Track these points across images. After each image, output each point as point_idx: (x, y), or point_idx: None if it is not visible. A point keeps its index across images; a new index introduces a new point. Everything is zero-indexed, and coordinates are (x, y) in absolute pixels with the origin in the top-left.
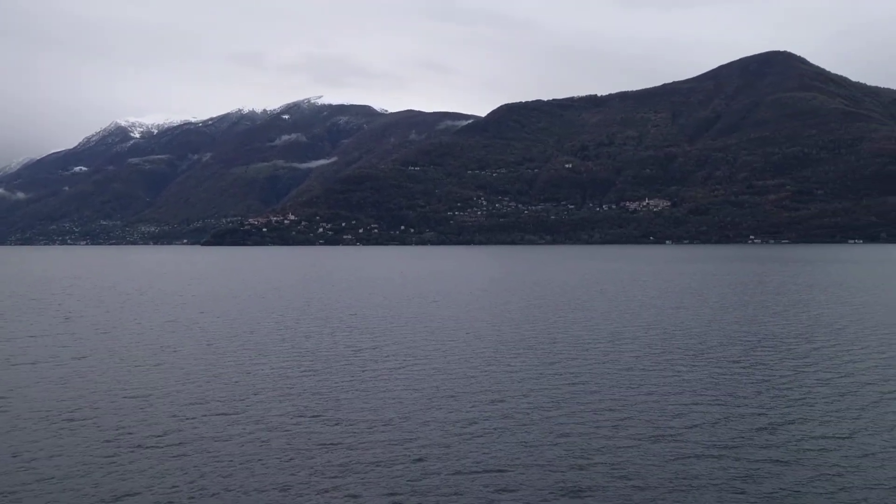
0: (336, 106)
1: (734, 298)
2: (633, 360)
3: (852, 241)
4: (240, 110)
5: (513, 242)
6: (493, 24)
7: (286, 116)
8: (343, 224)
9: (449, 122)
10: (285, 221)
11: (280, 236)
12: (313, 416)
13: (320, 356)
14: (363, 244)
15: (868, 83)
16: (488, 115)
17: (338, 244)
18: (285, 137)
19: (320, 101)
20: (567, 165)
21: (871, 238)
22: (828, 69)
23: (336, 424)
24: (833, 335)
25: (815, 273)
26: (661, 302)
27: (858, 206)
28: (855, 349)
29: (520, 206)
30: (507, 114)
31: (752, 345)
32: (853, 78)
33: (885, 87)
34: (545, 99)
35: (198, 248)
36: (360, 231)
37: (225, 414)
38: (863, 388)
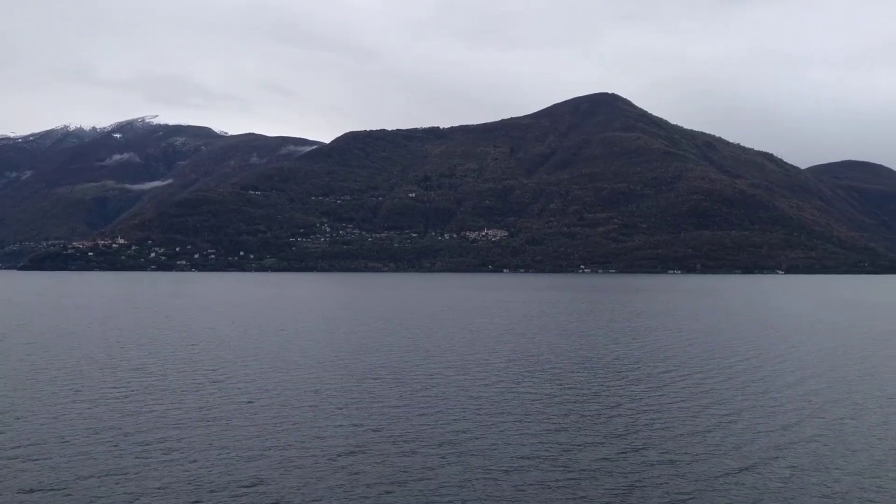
0: (172, 126)
1: (573, 326)
2: (482, 387)
3: (672, 272)
4: (66, 126)
5: (356, 270)
6: (337, 50)
7: (118, 135)
8: (178, 249)
9: (292, 147)
10: (114, 245)
11: (108, 261)
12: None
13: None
14: (199, 270)
15: (685, 126)
16: (333, 141)
17: (171, 270)
18: (116, 157)
19: (155, 121)
20: (410, 195)
21: (688, 269)
22: (650, 111)
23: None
24: (664, 361)
25: (643, 301)
26: (505, 329)
27: (677, 240)
28: (687, 374)
29: (364, 233)
30: (352, 142)
31: (593, 371)
32: (672, 121)
33: (700, 130)
34: (389, 128)
35: (14, 272)
36: (196, 256)
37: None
38: (703, 412)
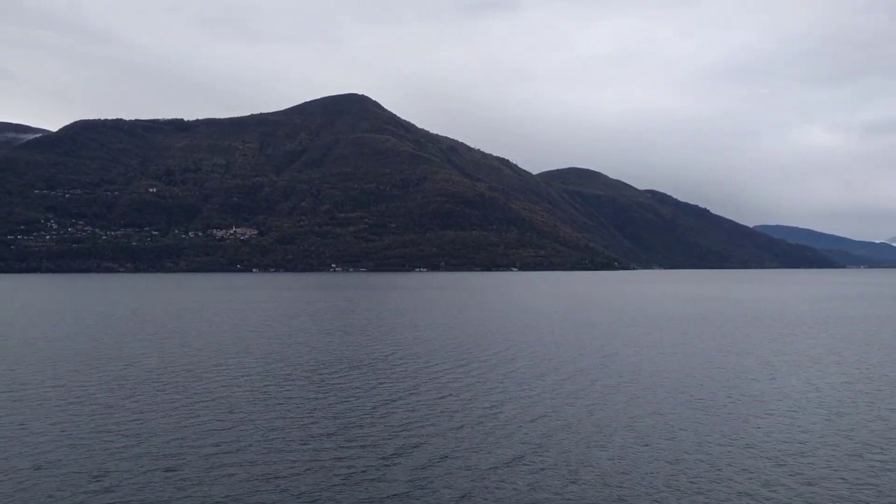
0: None
1: (333, 324)
2: (238, 392)
3: (419, 270)
4: None
5: (88, 270)
6: (64, 30)
7: None
8: None
9: (11, 135)
10: None
11: None
12: None
13: None
14: None
15: (431, 131)
16: (60, 130)
17: None
18: None
19: None
20: (151, 189)
21: (434, 267)
22: (399, 115)
23: None
24: (422, 357)
25: (395, 299)
26: (259, 331)
27: (423, 239)
28: (446, 369)
29: (97, 230)
30: (83, 131)
31: (357, 370)
32: (419, 125)
33: (444, 135)
34: (127, 118)
35: None
36: None
37: None
38: (469, 406)
